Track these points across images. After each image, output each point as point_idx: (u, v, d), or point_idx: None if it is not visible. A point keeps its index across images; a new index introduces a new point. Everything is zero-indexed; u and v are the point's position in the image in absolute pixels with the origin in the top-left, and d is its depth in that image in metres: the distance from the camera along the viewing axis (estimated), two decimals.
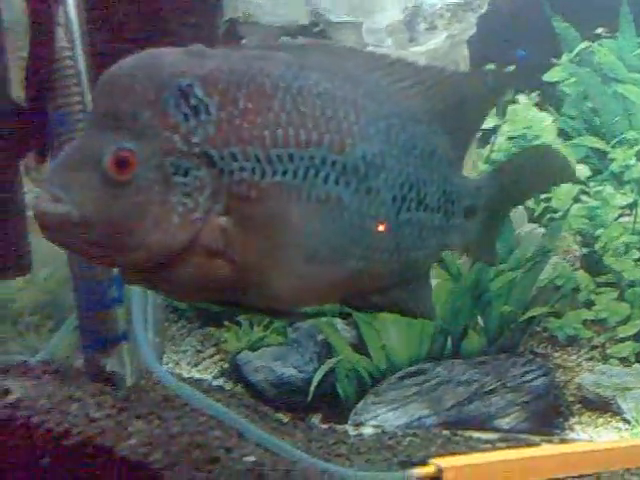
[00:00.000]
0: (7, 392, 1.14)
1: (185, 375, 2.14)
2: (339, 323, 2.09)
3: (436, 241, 1.07)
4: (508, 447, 1.86)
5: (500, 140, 2.33)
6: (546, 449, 1.74)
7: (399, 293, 1.07)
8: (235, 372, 2.12)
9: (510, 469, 1.54)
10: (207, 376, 2.17)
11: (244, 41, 2.38)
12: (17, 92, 1.31)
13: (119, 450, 1.03)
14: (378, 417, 1.96)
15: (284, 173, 0.90)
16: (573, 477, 1.57)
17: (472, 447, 1.88)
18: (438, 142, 1.05)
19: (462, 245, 1.13)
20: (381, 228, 1.00)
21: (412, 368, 2.02)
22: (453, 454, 1.75)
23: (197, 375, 2.17)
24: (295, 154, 0.91)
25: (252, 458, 1.14)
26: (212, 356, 2.22)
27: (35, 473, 1.02)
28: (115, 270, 1.33)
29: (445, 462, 1.48)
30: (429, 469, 1.46)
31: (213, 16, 1.41)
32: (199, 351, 2.25)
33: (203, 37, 1.39)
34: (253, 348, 2.12)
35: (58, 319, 1.94)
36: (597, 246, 2.21)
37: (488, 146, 2.35)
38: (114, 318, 1.35)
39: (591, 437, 1.95)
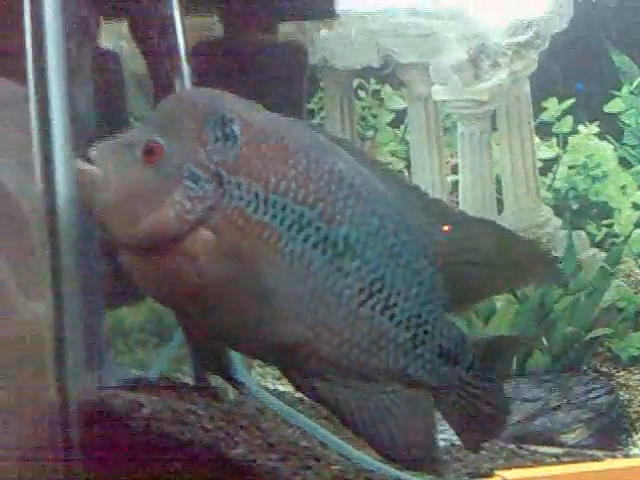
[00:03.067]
0: (141, 406, 1.19)
1: (271, 387, 2.18)
2: None
3: (396, 362, 1.01)
4: (573, 462, 1.87)
5: (562, 169, 2.34)
6: (607, 463, 1.70)
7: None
8: None
9: None
10: (289, 389, 2.25)
11: (321, 84, 2.48)
12: None
13: (231, 457, 1.10)
14: (446, 431, 1.98)
15: (273, 216, 0.97)
16: None
17: (537, 461, 1.84)
18: (428, 269, 1.03)
19: (431, 388, 1.04)
20: (337, 310, 0.98)
21: None
22: (518, 467, 1.77)
23: (281, 388, 2.18)
24: (288, 205, 0.97)
25: (338, 467, 1.18)
26: None
27: (168, 475, 1.12)
28: None
29: (509, 474, 1.45)
30: None
31: (301, 70, 1.51)
32: None
33: (293, 89, 1.49)
34: None
35: (161, 336, 2.05)
36: None
37: (550, 175, 2.37)
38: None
39: None
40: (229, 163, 0.97)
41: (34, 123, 1.21)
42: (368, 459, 1.39)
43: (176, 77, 1.37)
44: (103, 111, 1.37)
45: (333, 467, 1.19)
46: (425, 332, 1.02)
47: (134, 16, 1.33)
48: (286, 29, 1.59)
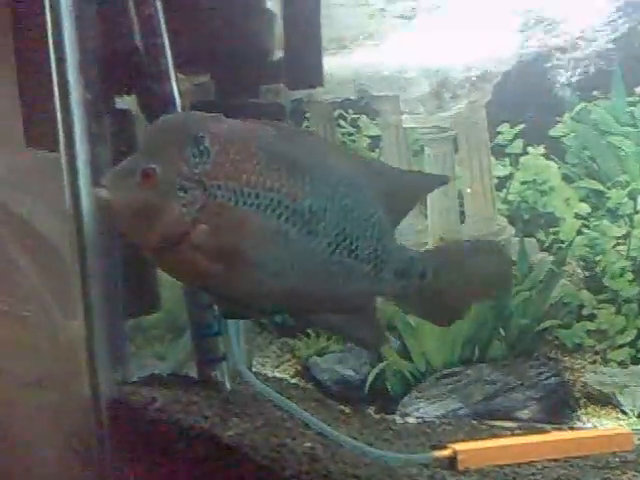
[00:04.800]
0: (154, 399, 1.41)
1: (270, 375, 2.32)
2: (387, 335, 2.20)
3: (365, 286, 1.24)
4: (525, 434, 1.92)
5: (515, 184, 2.46)
6: (545, 436, 1.85)
7: (337, 320, 1.25)
8: (307, 373, 2.29)
9: (515, 452, 1.67)
10: (286, 375, 2.34)
11: (307, 115, 2.60)
12: None
13: (224, 439, 1.30)
14: (420, 409, 2.10)
15: (250, 205, 1.17)
16: (571, 457, 1.68)
17: (494, 434, 1.97)
18: (375, 214, 1.25)
19: (394, 298, 1.29)
20: (315, 262, 1.19)
21: (447, 370, 2.15)
22: (475, 439, 1.86)
23: (278, 375, 2.34)
24: (261, 194, 1.18)
25: (309, 444, 1.37)
26: (289, 360, 2.39)
27: (174, 455, 1.33)
28: (216, 311, 1.64)
29: (459, 446, 1.62)
30: (446, 452, 1.61)
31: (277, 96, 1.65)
32: (279, 356, 2.41)
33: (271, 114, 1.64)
34: (320, 354, 2.27)
35: (175, 332, 2.18)
36: (597, 270, 2.29)
37: (505, 190, 2.48)
38: (217, 345, 1.64)
39: (594, 425, 2.05)
40: (207, 171, 1.17)
41: (65, 177, 1.44)
42: (342, 437, 1.58)
43: None
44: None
45: (305, 444, 1.38)
46: (382, 261, 1.25)
47: (140, 94, 1.52)
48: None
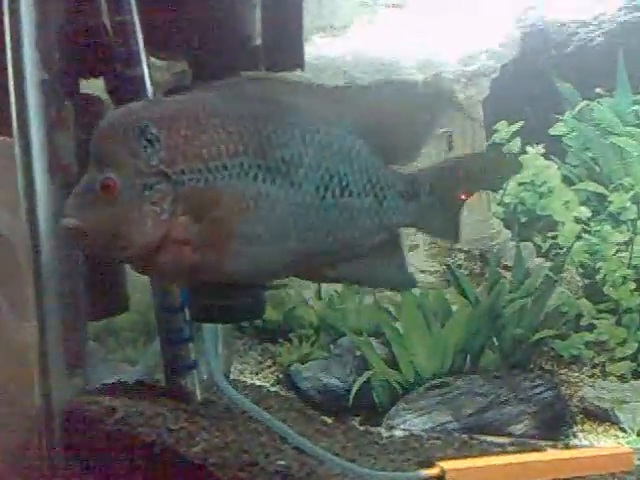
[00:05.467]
0: (114, 410, 1.32)
1: (249, 382, 2.25)
2: (374, 342, 2.18)
3: (371, 221, 1.16)
4: (518, 451, 1.87)
5: (512, 185, 2.39)
6: (540, 455, 1.78)
7: (359, 268, 1.18)
8: (288, 381, 2.24)
9: (507, 472, 1.61)
10: (266, 383, 2.27)
11: None
12: None
13: (188, 456, 1.22)
14: (407, 422, 2.05)
15: (222, 178, 1.09)
16: (567, 478, 1.61)
17: (485, 450, 1.89)
18: (356, 144, 1.15)
19: (406, 224, 1.20)
20: (309, 213, 1.12)
21: (436, 381, 2.09)
22: (466, 456, 1.80)
23: (258, 382, 2.27)
24: (228, 163, 1.10)
25: (283, 462, 1.29)
26: (270, 367, 2.34)
27: (134, 474, 1.24)
28: (186, 316, 1.55)
29: (448, 464, 1.56)
30: (434, 471, 1.55)
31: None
32: (259, 362, 2.36)
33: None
34: (302, 361, 2.23)
35: (148, 335, 2.15)
36: (597, 277, 2.24)
37: (501, 191, 2.42)
38: (187, 352, 1.56)
39: (591, 443, 2.00)
40: (164, 159, 1.09)
41: (19, 167, 1.34)
42: (322, 452, 1.51)
43: None
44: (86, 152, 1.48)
45: (279, 462, 1.30)
46: (382, 189, 1.17)
47: (108, 77, 1.43)
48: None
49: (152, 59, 1.51)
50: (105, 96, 1.52)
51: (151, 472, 1.22)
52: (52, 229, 1.32)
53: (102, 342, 2.21)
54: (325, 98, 1.16)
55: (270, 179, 1.11)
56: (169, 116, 1.10)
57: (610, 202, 2.32)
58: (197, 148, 1.10)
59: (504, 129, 2.43)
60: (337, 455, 1.52)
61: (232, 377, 2.23)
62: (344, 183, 1.15)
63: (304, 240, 1.13)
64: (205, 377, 1.66)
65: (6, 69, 1.32)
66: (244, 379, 2.29)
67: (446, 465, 1.59)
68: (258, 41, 1.52)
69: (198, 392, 1.56)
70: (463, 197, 1.21)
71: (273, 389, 2.23)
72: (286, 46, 1.47)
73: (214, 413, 1.52)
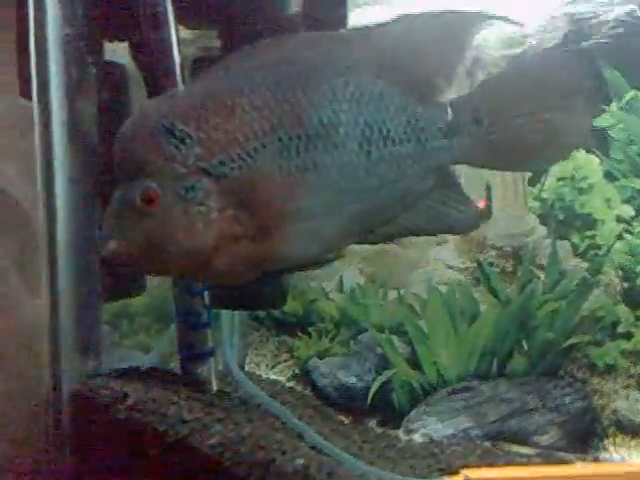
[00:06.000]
0: (126, 396, 1.27)
1: (264, 376, 2.23)
2: (396, 340, 2.13)
3: (419, 165, 1.13)
4: (544, 463, 1.85)
5: (550, 180, 2.31)
6: (568, 468, 1.73)
7: (418, 216, 1.15)
8: (305, 376, 2.20)
9: None
10: (282, 378, 2.25)
11: None
12: None
13: (202, 449, 1.16)
14: (428, 426, 1.98)
15: (263, 159, 1.05)
16: None
17: (509, 460, 1.85)
18: (389, 86, 1.11)
19: (458, 161, 1.16)
20: (358, 172, 1.09)
21: (460, 384, 2.03)
22: (490, 465, 1.78)
23: (273, 377, 2.25)
24: (266, 142, 1.05)
25: (302, 461, 1.21)
26: (286, 361, 2.30)
27: (142, 463, 1.19)
28: (206, 300, 1.49)
29: (472, 473, 1.50)
30: (458, 478, 1.49)
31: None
32: (275, 355, 2.33)
33: None
34: (321, 356, 2.19)
35: (164, 321, 2.11)
36: (638, 281, 2.15)
37: (539, 185, 2.35)
38: (205, 338, 1.50)
39: (623, 457, 1.94)
40: (200, 154, 1.03)
41: (38, 132, 1.28)
42: (340, 452, 1.45)
43: None
44: (108, 122, 1.42)
45: (297, 461, 1.24)
46: (422, 130, 1.13)
47: (132, 39, 1.37)
48: None
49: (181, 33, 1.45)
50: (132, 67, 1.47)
51: (162, 463, 1.17)
52: (69, 198, 1.26)
53: (115, 326, 2.17)
54: (347, 45, 1.11)
55: (312, 146, 1.06)
56: (192, 106, 1.04)
57: None
58: (230, 134, 1.04)
59: None
60: (354, 457, 1.47)
61: (247, 370, 2.19)
62: (385, 132, 1.12)
63: (359, 201, 1.10)
64: (220, 367, 1.61)
65: (28, 26, 1.26)
66: (259, 372, 2.26)
67: (470, 473, 1.53)
68: (296, 8, 1.45)
69: (214, 381, 1.50)
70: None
71: (289, 384, 2.19)
72: (327, 13, 1.40)
73: (229, 404, 1.46)
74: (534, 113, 1.15)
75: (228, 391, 1.59)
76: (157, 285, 1.79)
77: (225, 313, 1.69)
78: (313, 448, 1.43)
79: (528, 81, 1.17)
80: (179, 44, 1.37)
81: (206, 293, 1.50)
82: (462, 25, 1.14)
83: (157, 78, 1.33)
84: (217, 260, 1.04)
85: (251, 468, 1.16)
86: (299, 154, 1.06)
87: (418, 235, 1.24)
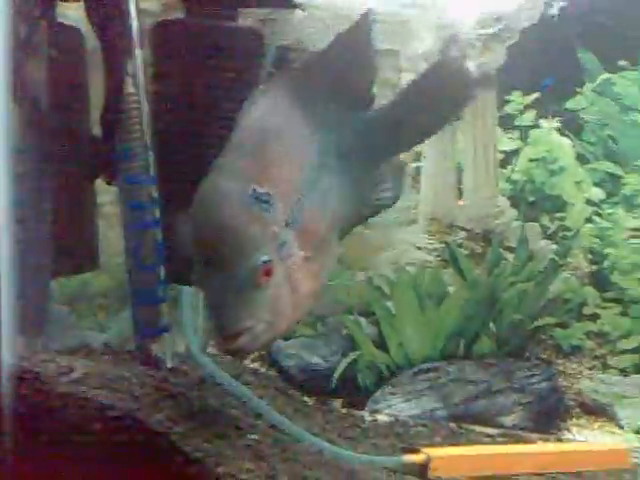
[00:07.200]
0: (71, 370, 1.23)
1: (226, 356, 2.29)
2: (363, 321, 2.14)
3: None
4: (507, 442, 1.87)
5: (522, 162, 2.35)
6: (530, 447, 1.77)
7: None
8: (269, 357, 2.19)
9: (494, 463, 1.60)
10: (245, 360, 2.22)
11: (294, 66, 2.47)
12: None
13: (148, 423, 1.13)
14: (393, 406, 2.01)
15: (312, 193, 1.14)
16: (551, 473, 1.61)
17: (473, 440, 1.89)
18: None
19: None
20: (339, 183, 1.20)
21: (426, 365, 2.06)
22: (454, 445, 1.80)
23: None
24: (314, 179, 1.15)
25: (255, 436, 1.23)
26: None
27: (86, 437, 1.18)
28: (161, 274, 1.49)
29: (434, 452, 1.55)
30: (419, 457, 1.53)
31: (256, 54, 1.52)
32: None
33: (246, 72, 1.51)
34: (286, 338, 2.16)
35: (123, 302, 2.09)
36: (606, 264, 2.21)
37: (510, 167, 2.39)
38: (160, 314, 1.48)
39: (586, 438, 1.97)
40: (282, 207, 1.09)
41: None
42: (298, 430, 1.46)
43: (128, 61, 1.40)
44: (60, 88, 1.39)
45: (250, 436, 1.25)
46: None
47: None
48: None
49: None
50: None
51: (106, 438, 1.16)
52: (13, 164, 1.23)
53: (73, 307, 2.16)
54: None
55: (328, 174, 1.17)
56: (255, 165, 1.08)
57: (625, 184, 2.28)
58: (290, 183, 1.10)
59: (517, 100, 2.39)
60: (315, 436, 1.48)
61: (208, 351, 2.18)
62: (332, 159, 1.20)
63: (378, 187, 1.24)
64: (182, 349, 1.60)
65: None
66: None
67: (432, 452, 1.57)
68: None
69: (169, 358, 1.50)
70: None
71: (252, 365, 2.16)
72: None
73: (184, 382, 1.46)
74: None
75: (185, 369, 1.59)
76: (117, 265, 1.78)
77: (186, 295, 1.68)
78: (273, 427, 1.44)
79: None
80: (137, 5, 1.35)
81: (161, 268, 1.49)
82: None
83: (111, 37, 1.31)
84: (281, 286, 1.07)
85: (202, 443, 1.16)
86: (324, 159, 1.17)
87: None
